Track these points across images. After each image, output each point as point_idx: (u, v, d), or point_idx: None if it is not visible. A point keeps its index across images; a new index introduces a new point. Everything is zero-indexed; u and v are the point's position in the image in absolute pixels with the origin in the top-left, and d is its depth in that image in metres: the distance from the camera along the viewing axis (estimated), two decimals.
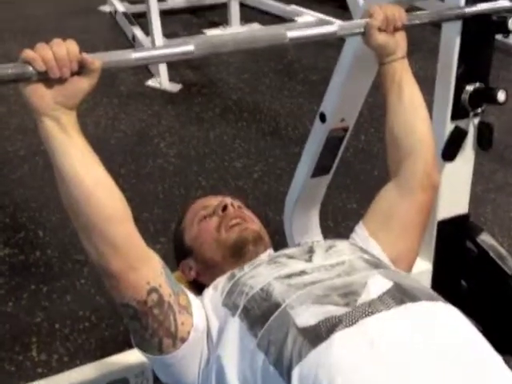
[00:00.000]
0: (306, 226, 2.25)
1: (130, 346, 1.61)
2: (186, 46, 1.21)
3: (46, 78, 1.04)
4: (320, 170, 2.05)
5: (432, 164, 1.39)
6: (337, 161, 2.04)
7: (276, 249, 1.42)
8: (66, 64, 1.04)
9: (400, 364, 0.99)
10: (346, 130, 1.95)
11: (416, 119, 1.39)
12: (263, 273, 1.22)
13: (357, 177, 2.98)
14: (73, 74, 1.06)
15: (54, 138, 1.07)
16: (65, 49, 1.04)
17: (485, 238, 1.85)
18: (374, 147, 3.20)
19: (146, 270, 1.13)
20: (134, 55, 1.17)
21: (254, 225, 1.40)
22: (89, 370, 1.50)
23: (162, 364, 1.20)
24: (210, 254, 1.36)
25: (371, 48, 1.39)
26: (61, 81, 1.06)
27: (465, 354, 1.03)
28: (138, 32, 4.33)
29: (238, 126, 3.45)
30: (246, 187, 2.90)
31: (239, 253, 1.33)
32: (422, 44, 3.80)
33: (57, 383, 1.46)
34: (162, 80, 3.83)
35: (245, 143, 3.28)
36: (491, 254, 1.83)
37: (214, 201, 1.44)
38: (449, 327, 1.08)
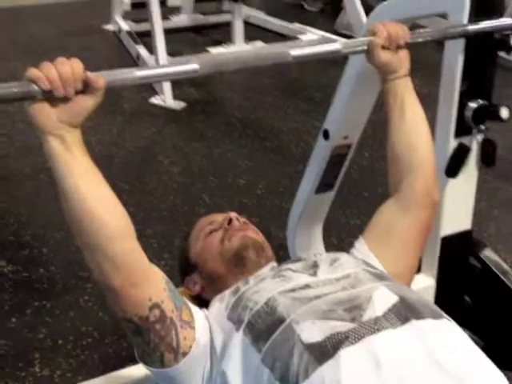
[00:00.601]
0: (310, 243, 2.25)
1: (133, 362, 1.61)
2: (191, 65, 1.22)
3: (50, 97, 1.05)
4: (323, 186, 2.06)
5: (432, 182, 1.40)
6: (340, 177, 2.05)
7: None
8: (71, 83, 1.05)
9: None
10: (349, 146, 1.95)
11: (418, 137, 1.40)
12: (268, 287, 1.22)
13: (360, 193, 2.98)
14: (77, 93, 1.07)
15: (58, 156, 1.08)
16: (69, 67, 1.05)
17: (488, 254, 1.85)
18: (377, 164, 3.20)
19: (147, 286, 1.13)
20: (138, 73, 1.18)
21: (257, 235, 1.41)
22: None
23: (164, 377, 1.20)
24: (214, 267, 1.36)
25: (374, 66, 1.40)
26: (65, 99, 1.07)
27: (470, 375, 1.03)
28: (142, 51, 4.36)
29: (242, 143, 3.46)
30: (249, 204, 2.90)
31: (241, 260, 1.34)
32: (425, 61, 3.81)
33: None
34: (165, 98, 3.85)
35: (248, 160, 3.28)
36: (494, 269, 1.83)
37: (219, 217, 1.45)
38: (453, 348, 1.08)
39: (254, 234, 1.41)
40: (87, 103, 1.09)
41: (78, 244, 1.12)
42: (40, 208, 2.82)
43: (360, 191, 3.00)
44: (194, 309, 1.23)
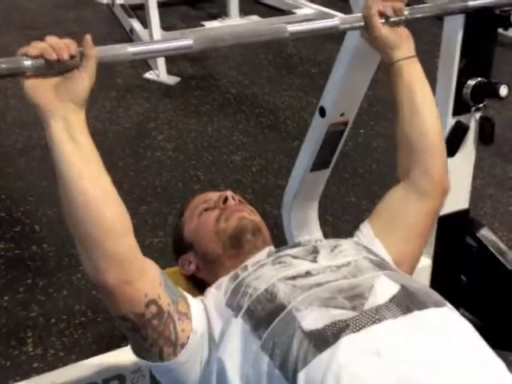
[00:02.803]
0: (305, 220, 2.23)
1: (127, 342, 1.60)
2: (185, 41, 1.19)
3: (43, 72, 1.03)
4: (319, 164, 2.04)
5: (445, 169, 1.36)
6: (336, 155, 2.03)
7: (275, 243, 1.40)
8: (62, 47, 1.03)
9: (406, 375, 0.98)
10: (345, 124, 1.93)
11: (431, 124, 1.35)
12: (268, 274, 1.20)
13: (355, 170, 2.96)
14: (71, 69, 1.05)
15: (59, 141, 1.04)
16: (60, 41, 1.04)
17: (485, 233, 1.84)
18: (372, 141, 3.18)
19: (143, 282, 1.10)
20: (132, 49, 1.15)
21: (254, 216, 1.39)
22: (85, 366, 1.48)
23: (163, 370, 1.18)
24: (210, 247, 1.33)
25: (374, 44, 1.36)
26: (60, 74, 1.04)
27: (471, 364, 1.02)
28: (135, 24, 4.30)
29: (237, 119, 3.44)
30: (244, 181, 2.88)
31: (238, 242, 1.31)
32: (422, 36, 3.78)
33: (52, 380, 1.44)
34: (160, 73, 3.81)
35: (243, 136, 3.26)
36: (491, 249, 1.82)
37: (214, 195, 1.43)
38: (454, 338, 1.07)
39: (251, 214, 1.38)
40: (82, 77, 1.06)
41: (72, 234, 1.08)
42: (32, 185, 2.80)
43: (355, 168, 2.98)
44: (190, 298, 1.20)
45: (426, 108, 1.35)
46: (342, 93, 1.81)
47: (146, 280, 1.10)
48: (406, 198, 1.35)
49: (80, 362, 1.52)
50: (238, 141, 3.22)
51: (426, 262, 1.83)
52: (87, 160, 1.06)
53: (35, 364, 1.91)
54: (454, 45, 1.55)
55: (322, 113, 1.89)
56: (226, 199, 1.38)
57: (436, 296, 1.17)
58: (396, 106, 1.37)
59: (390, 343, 1.02)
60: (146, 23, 4.02)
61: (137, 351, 1.18)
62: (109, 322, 2.06)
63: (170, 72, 3.85)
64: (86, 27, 4.35)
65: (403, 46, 1.33)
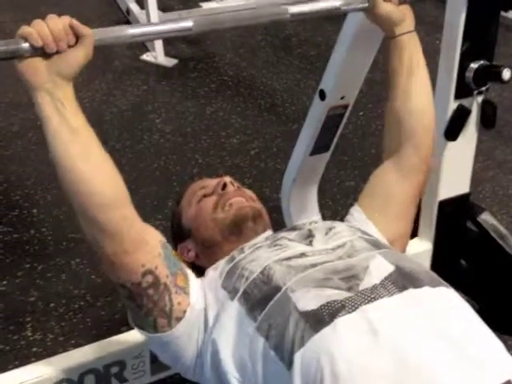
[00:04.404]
0: (304, 204, 2.23)
1: (127, 326, 1.59)
2: (185, 23, 1.18)
3: (41, 54, 1.03)
4: (319, 147, 2.03)
5: (432, 149, 1.39)
6: (336, 138, 2.02)
7: (274, 227, 1.40)
8: (63, 37, 1.03)
9: (403, 352, 0.98)
10: (346, 107, 1.92)
11: (424, 103, 1.37)
12: (263, 256, 1.20)
13: (355, 154, 2.95)
14: (69, 46, 1.05)
15: (47, 116, 1.05)
16: (61, 24, 1.03)
17: (486, 218, 1.85)
18: (372, 124, 3.16)
19: (140, 252, 1.12)
20: (131, 31, 1.14)
21: (253, 202, 1.38)
22: (85, 352, 1.48)
23: (158, 343, 1.20)
24: (208, 234, 1.33)
25: (377, 20, 1.36)
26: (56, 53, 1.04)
27: (467, 341, 1.02)
28: (132, 5, 4.25)
29: (235, 101, 3.41)
30: (242, 164, 2.86)
31: (238, 230, 1.31)
32: (424, 18, 3.75)
33: (53, 365, 1.43)
34: (157, 55, 3.77)
35: (241, 119, 3.24)
36: (492, 233, 1.82)
37: (212, 181, 1.42)
38: (451, 315, 1.07)
39: (251, 201, 1.38)
40: (77, 53, 1.05)
41: (73, 207, 1.10)
42: (29, 167, 2.77)
43: (354, 152, 2.96)
44: (190, 274, 1.21)
45: (424, 88, 1.37)
46: (343, 76, 1.80)
47: (143, 250, 1.12)
48: (396, 177, 1.36)
49: (80, 348, 1.52)
50: (236, 124, 3.20)
51: (426, 246, 1.84)
52: (74, 135, 1.06)
53: (34, 348, 1.90)
54: (456, 27, 1.53)
55: (322, 96, 1.87)
56: (224, 185, 1.37)
57: (431, 274, 1.18)
58: (393, 80, 1.38)
59: (386, 321, 1.03)
60: (142, 4, 3.98)
61: (134, 320, 1.21)
62: (108, 306, 2.06)
63: (167, 54, 3.82)
64: (82, 7, 4.29)
65: (406, 21, 1.35)
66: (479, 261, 1.88)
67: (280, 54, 3.95)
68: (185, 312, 1.16)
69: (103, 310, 2.05)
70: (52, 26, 1.02)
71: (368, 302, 1.04)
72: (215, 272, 1.23)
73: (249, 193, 1.42)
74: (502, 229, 1.83)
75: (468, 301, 1.14)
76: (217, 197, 1.36)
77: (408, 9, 1.36)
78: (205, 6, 4.35)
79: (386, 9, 1.32)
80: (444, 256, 1.85)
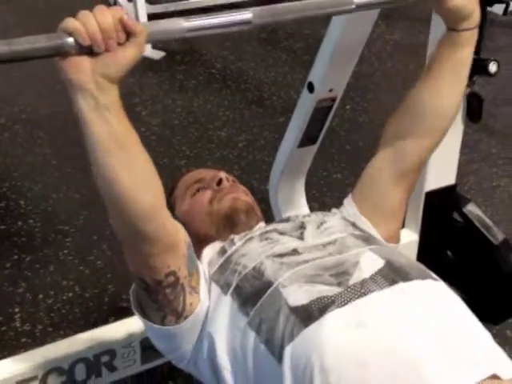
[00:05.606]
0: (292, 196, 2.24)
1: (115, 317, 1.60)
2: (244, 14, 1.07)
3: (86, 52, 0.92)
4: (307, 140, 2.04)
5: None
6: (324, 131, 2.03)
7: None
8: (113, 35, 0.92)
9: (391, 343, 0.99)
10: (334, 99, 1.93)
11: (454, 106, 1.30)
12: (256, 250, 1.20)
13: (342, 147, 2.96)
14: (119, 44, 0.94)
15: (90, 120, 0.95)
16: (110, 18, 0.91)
17: (471, 209, 1.86)
18: (359, 117, 3.18)
19: (167, 254, 1.10)
20: (186, 24, 1.01)
21: (247, 197, 1.38)
22: (75, 342, 1.48)
23: (159, 333, 1.20)
24: (203, 228, 1.33)
25: (443, 12, 1.22)
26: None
27: (456, 333, 1.04)
28: None
29: (222, 94, 3.42)
30: (230, 156, 2.87)
31: (231, 223, 1.31)
32: (408, 12, 3.78)
33: (42, 355, 1.44)
34: (145, 47, 3.76)
35: (229, 112, 3.25)
36: (477, 224, 1.83)
37: (206, 174, 1.42)
38: (440, 308, 1.08)
39: (245, 195, 1.38)
40: (127, 53, 0.94)
41: (107, 209, 1.05)
42: (17, 160, 2.77)
43: (342, 144, 2.98)
44: (200, 269, 1.20)
45: (464, 84, 1.29)
46: (331, 68, 1.81)
47: (171, 253, 1.11)
48: (390, 175, 1.32)
49: (70, 338, 1.52)
50: (224, 116, 3.21)
51: (412, 237, 1.85)
52: (119, 144, 0.98)
53: (23, 339, 1.91)
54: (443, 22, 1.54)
55: (311, 88, 1.88)
56: (220, 181, 1.37)
57: (421, 268, 1.18)
58: (430, 75, 1.27)
59: (375, 313, 1.04)
60: None
61: (140, 308, 1.19)
62: (96, 297, 2.07)
63: (155, 46, 3.81)
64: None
65: (473, 16, 1.22)
66: (465, 251, 1.90)
67: (267, 47, 3.97)
68: (193, 311, 1.16)
69: (92, 301, 2.06)
70: (101, 21, 0.90)
71: (358, 297, 1.05)
72: (210, 267, 1.23)
73: (243, 188, 1.41)
74: (487, 220, 1.85)
75: (454, 291, 1.15)
76: (212, 192, 1.36)
77: (477, 2, 1.22)
78: None
79: (458, 2, 1.19)
80: (430, 247, 1.87)
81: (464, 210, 1.85)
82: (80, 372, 1.44)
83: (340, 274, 1.11)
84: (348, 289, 1.07)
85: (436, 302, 1.09)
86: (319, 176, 2.72)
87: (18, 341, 1.90)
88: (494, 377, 0.97)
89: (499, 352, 1.05)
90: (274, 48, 3.94)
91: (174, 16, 1.05)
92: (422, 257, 1.84)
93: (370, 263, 1.13)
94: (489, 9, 1.65)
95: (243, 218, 1.32)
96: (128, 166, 1.00)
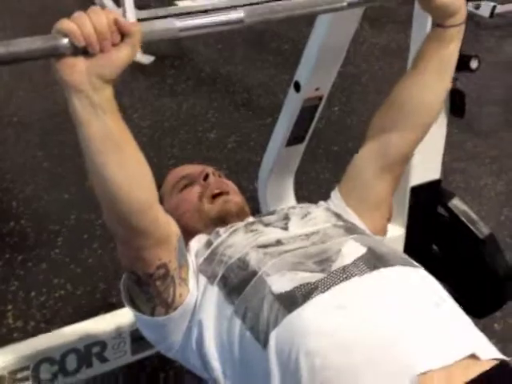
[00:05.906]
0: (281, 194, 2.27)
1: (105, 312, 1.62)
2: (236, 13, 1.08)
3: (81, 53, 0.93)
4: (295, 138, 2.07)
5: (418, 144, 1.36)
6: (311, 129, 2.06)
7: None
8: (108, 36, 0.93)
9: (371, 324, 1.02)
10: (320, 98, 1.96)
11: (439, 102, 1.32)
12: (241, 242, 1.23)
13: (329, 147, 3.00)
14: (113, 45, 0.95)
15: (85, 120, 0.96)
16: (105, 19, 0.92)
17: (456, 203, 1.88)
18: (347, 118, 3.22)
19: (159, 247, 1.12)
20: (179, 24, 1.03)
21: (237, 197, 1.40)
22: (67, 333, 1.50)
23: (149, 324, 1.22)
24: (191, 223, 1.34)
25: (430, 9, 1.23)
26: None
27: (435, 315, 1.06)
28: (107, 1, 4.24)
29: (212, 97, 3.45)
30: (219, 158, 2.90)
31: (223, 223, 1.33)
32: (394, 16, 3.83)
33: (34, 346, 1.46)
34: None
35: (218, 114, 3.28)
36: (462, 218, 1.86)
37: (193, 169, 1.44)
38: (419, 291, 1.10)
39: (234, 195, 1.40)
40: (122, 54, 0.95)
41: (101, 205, 1.06)
42: (8, 162, 2.79)
43: (330, 145, 3.01)
44: (190, 261, 1.22)
45: (449, 80, 1.30)
46: (317, 67, 1.84)
47: (163, 246, 1.12)
48: (375, 169, 1.33)
49: (61, 329, 1.54)
50: (213, 118, 3.24)
51: (398, 232, 1.88)
52: (114, 144, 0.99)
53: (15, 334, 1.93)
54: (425, 20, 1.57)
55: (297, 87, 1.91)
56: (206, 176, 1.39)
57: (403, 256, 1.20)
58: (417, 70, 1.29)
59: (355, 296, 1.06)
60: (118, 2, 3.98)
61: (130, 300, 1.20)
62: (88, 294, 2.09)
63: (145, 51, 3.83)
64: (56, 1, 4.28)
65: (460, 12, 1.23)
66: (450, 246, 1.93)
67: (255, 49, 4.00)
68: (183, 302, 1.18)
69: (83, 299, 2.08)
70: (96, 22, 0.91)
71: (340, 282, 1.07)
72: (197, 258, 1.25)
73: (230, 184, 1.43)
74: (472, 214, 1.87)
75: (440, 285, 1.17)
76: (200, 188, 1.37)
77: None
78: (180, 4, 4.37)
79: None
80: (416, 241, 1.90)
81: (449, 204, 1.88)
82: (71, 362, 1.46)
83: (323, 261, 1.13)
84: (330, 274, 1.09)
85: (415, 285, 1.11)
86: (307, 176, 2.75)
87: (10, 336, 1.93)
88: (473, 356, 0.99)
89: (478, 334, 1.07)
90: (262, 50, 3.98)
91: None
92: (408, 251, 1.86)
93: (352, 251, 1.15)
94: (475, 11, 1.68)
95: (235, 220, 1.34)
96: (123, 165, 1.00)
